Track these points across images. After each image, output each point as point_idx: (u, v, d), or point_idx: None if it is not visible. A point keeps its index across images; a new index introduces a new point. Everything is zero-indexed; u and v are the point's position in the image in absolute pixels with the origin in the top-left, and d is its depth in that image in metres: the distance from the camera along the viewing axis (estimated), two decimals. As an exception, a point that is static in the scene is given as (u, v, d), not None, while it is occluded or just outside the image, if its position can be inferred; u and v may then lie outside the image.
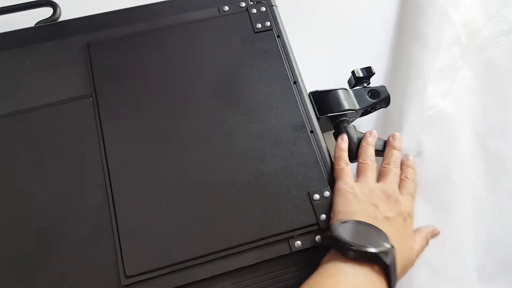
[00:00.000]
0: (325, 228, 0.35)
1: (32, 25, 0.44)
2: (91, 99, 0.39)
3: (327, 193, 0.36)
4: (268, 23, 0.42)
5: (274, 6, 0.43)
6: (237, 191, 0.35)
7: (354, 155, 0.40)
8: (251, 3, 0.43)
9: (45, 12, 0.46)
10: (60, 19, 0.45)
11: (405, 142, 0.43)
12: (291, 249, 0.34)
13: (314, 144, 0.38)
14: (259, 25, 0.42)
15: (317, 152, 0.37)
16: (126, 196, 0.35)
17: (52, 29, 0.43)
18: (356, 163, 0.40)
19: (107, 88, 0.39)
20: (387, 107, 0.44)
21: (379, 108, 0.44)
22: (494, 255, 0.42)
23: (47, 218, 0.35)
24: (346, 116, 0.42)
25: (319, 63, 0.48)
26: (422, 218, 0.40)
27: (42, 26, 0.44)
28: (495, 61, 0.49)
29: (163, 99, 0.39)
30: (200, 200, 0.35)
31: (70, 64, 0.41)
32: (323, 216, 0.35)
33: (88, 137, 0.37)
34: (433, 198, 0.43)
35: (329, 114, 0.40)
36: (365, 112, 0.43)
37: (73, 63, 0.41)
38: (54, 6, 0.46)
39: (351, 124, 0.42)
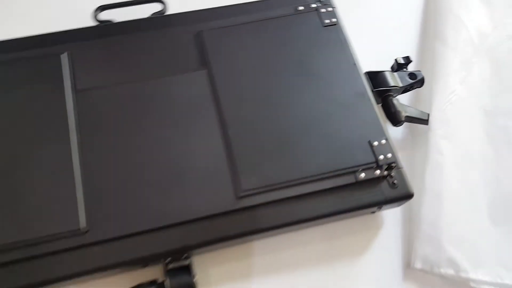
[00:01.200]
0: (382, 164, 0.46)
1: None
2: (205, 71, 0.50)
3: (383, 141, 0.47)
4: (335, 19, 0.54)
5: (335, 8, 0.56)
6: (318, 137, 0.47)
7: (397, 120, 0.52)
8: (319, 4, 0.55)
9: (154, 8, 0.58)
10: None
11: (432, 116, 0.55)
12: (356, 179, 0.46)
13: (371, 106, 0.50)
14: (327, 21, 0.54)
15: (374, 112, 0.49)
16: (240, 135, 0.47)
17: (162, 19, 0.55)
18: (399, 127, 0.52)
19: (218, 62, 0.51)
20: (421, 88, 0.56)
21: (415, 88, 0.56)
22: (503, 205, 0.53)
23: (178, 158, 0.46)
24: (391, 92, 0.54)
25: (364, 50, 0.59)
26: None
27: (155, 17, 0.56)
28: (501, 59, 0.61)
29: (260, 73, 0.51)
30: (296, 138, 0.47)
31: (181, 45, 0.52)
32: (381, 157, 0.46)
33: (204, 100, 0.49)
34: (454, 160, 0.55)
35: (380, 88, 0.53)
36: (405, 90, 0.55)
37: (183, 44, 0.52)
38: (163, 2, 0.58)
39: (395, 98, 0.54)
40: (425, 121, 0.54)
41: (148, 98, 0.48)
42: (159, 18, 0.55)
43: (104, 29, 0.53)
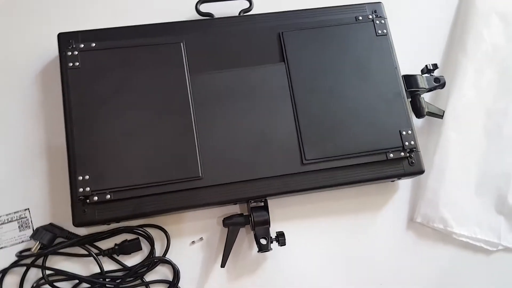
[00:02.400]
0: (407, 149, 0.63)
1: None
2: (284, 65, 0.65)
3: (409, 131, 0.63)
4: (385, 31, 0.67)
5: (386, 19, 0.68)
6: (364, 124, 0.63)
7: (421, 114, 0.67)
8: (375, 16, 0.68)
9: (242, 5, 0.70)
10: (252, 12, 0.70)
11: (446, 113, 0.70)
12: (387, 157, 0.62)
13: (404, 104, 0.65)
14: (379, 31, 0.67)
15: (406, 108, 0.65)
16: (306, 117, 0.62)
17: (251, 18, 0.68)
18: (421, 119, 0.68)
19: (294, 59, 0.65)
20: (442, 89, 0.70)
21: (437, 89, 0.70)
22: (487, 181, 0.70)
23: (263, 130, 0.62)
24: (419, 91, 0.68)
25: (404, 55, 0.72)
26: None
27: (244, 15, 0.68)
28: (508, 68, 0.75)
29: (326, 70, 0.65)
30: (348, 123, 0.63)
31: (264, 40, 0.66)
32: (406, 143, 0.63)
33: (282, 87, 0.64)
34: (458, 147, 0.71)
35: (411, 89, 0.67)
36: (429, 90, 0.70)
37: (266, 40, 0.66)
38: (250, 1, 0.70)
39: (421, 96, 0.69)
40: (440, 116, 0.70)
41: (242, 83, 0.63)
42: (248, 17, 0.68)
43: (208, 22, 0.67)
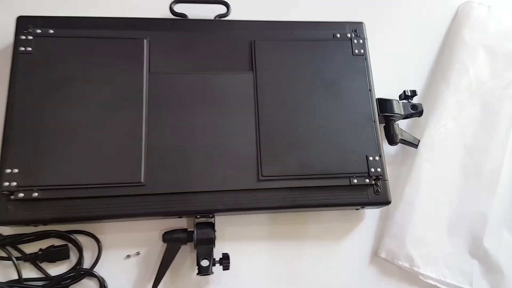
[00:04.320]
0: (372, 175, 0.55)
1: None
2: (252, 74, 0.58)
3: (377, 158, 0.56)
4: (362, 51, 0.61)
5: (366, 39, 0.62)
6: (328, 145, 0.56)
7: (394, 141, 0.60)
8: (353, 35, 0.62)
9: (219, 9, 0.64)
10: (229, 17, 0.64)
11: (422, 142, 0.63)
12: (350, 182, 0.55)
13: (375, 128, 0.58)
14: (356, 51, 0.61)
15: (376, 133, 0.57)
16: (267, 132, 0.55)
17: (225, 23, 0.62)
18: (394, 147, 0.61)
19: (264, 69, 0.58)
20: (419, 117, 0.64)
21: (414, 117, 0.64)
22: (459, 221, 0.62)
23: (220, 140, 0.54)
24: (394, 117, 0.61)
25: (380, 79, 0.66)
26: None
27: (219, 20, 0.63)
28: (490, 105, 0.68)
29: (295, 85, 0.58)
30: (312, 142, 0.56)
31: (235, 47, 0.60)
32: (372, 169, 0.55)
33: (247, 97, 0.57)
34: (431, 180, 0.63)
35: (385, 114, 0.60)
36: (406, 117, 0.63)
37: (238, 48, 0.60)
38: (227, 6, 0.64)
39: (395, 122, 0.62)
40: (415, 145, 0.63)
41: (205, 88, 0.57)
42: (223, 22, 0.62)
43: (179, 23, 0.61)
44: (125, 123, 0.53)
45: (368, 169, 0.55)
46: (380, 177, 0.56)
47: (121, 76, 0.55)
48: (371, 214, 0.61)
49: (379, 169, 0.56)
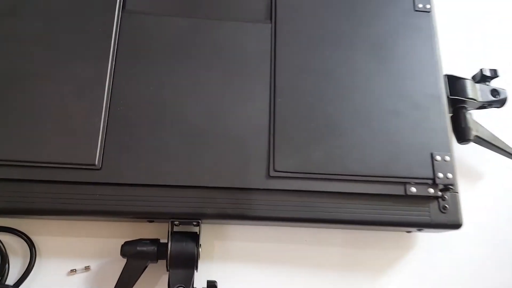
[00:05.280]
0: (439, 184, 0.36)
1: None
2: (270, 25, 0.40)
3: (447, 158, 0.37)
4: (429, 6, 0.43)
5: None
6: (375, 134, 0.37)
7: (465, 138, 0.41)
8: (416, -17, 0.44)
9: None
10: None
11: None
12: (405, 192, 0.36)
13: (444, 114, 0.39)
14: (420, 5, 0.43)
15: (445, 122, 0.39)
16: (286, 108, 0.37)
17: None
18: (463, 146, 0.42)
19: (286, 20, 0.41)
20: (499, 108, 0.44)
21: (493, 107, 0.44)
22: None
23: (217, 114, 0.37)
24: (466, 104, 0.43)
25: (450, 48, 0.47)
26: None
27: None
28: None
29: (329, 44, 0.40)
30: (349, 129, 0.37)
31: None
32: (440, 175, 0.37)
33: (261, 58, 0.39)
34: None
35: (454, 97, 0.42)
36: (481, 106, 0.44)
37: None
38: None
39: (468, 111, 0.43)
40: (496, 148, 0.43)
41: (200, 39, 0.39)
42: None
43: None
44: (81, 77, 0.36)
45: (434, 174, 0.37)
46: (450, 187, 0.37)
47: (83, 12, 0.38)
48: (427, 240, 0.42)
49: (449, 175, 0.37)
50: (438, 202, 0.37)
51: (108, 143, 0.35)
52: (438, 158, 0.37)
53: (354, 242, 0.40)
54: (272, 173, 0.35)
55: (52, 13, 0.38)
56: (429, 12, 0.42)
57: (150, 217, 0.36)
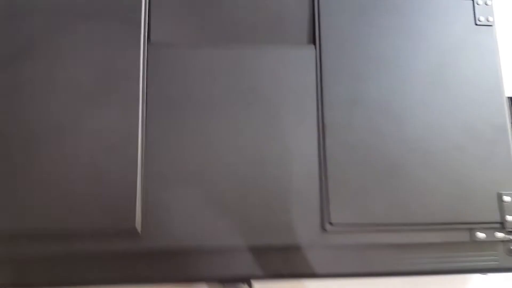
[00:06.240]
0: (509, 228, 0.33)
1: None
2: (313, 46, 0.35)
3: (516, 198, 0.34)
4: (491, 18, 0.37)
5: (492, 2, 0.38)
6: (438, 176, 0.33)
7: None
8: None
9: None
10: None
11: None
12: (471, 238, 0.33)
13: (510, 148, 0.35)
14: (481, 18, 0.37)
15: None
16: (338, 150, 0.33)
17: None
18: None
19: (331, 42, 0.35)
20: None
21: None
22: None
23: (261, 161, 0.33)
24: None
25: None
26: None
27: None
28: None
29: (381, 68, 0.35)
30: (410, 171, 0.33)
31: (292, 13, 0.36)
32: (509, 218, 0.33)
33: (305, 87, 0.34)
34: None
35: (521, 123, 0.37)
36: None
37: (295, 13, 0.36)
38: None
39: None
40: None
41: (235, 71, 0.34)
42: None
43: None
44: (111, 129, 0.32)
45: (502, 217, 0.33)
46: (520, 231, 0.34)
47: (105, 49, 0.33)
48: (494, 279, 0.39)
49: (520, 218, 0.33)
50: (506, 245, 0.34)
51: (146, 204, 0.31)
52: (507, 198, 0.33)
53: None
54: (327, 227, 0.32)
55: (67, 51, 0.33)
56: (491, 26, 0.37)
57: (198, 280, 0.32)
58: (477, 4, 0.37)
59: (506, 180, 0.34)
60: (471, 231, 0.33)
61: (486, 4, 0.37)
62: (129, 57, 0.33)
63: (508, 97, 0.37)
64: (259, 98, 0.34)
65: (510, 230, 0.33)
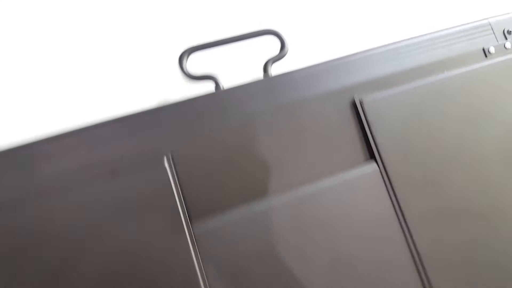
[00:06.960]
0: None
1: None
2: (374, 164, 0.30)
3: None
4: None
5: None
6: None
7: None
8: (516, 44, 0.34)
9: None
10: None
11: None
12: None
13: None
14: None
15: None
16: (442, 273, 0.28)
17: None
18: None
19: (391, 152, 0.30)
20: None
21: None
22: None
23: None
24: None
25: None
26: None
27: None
28: None
29: (453, 163, 0.30)
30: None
31: (327, 119, 0.31)
32: None
33: (381, 208, 0.29)
34: None
35: None
36: None
37: (331, 119, 0.31)
38: (281, 40, 0.35)
39: None
40: None
41: (292, 220, 0.28)
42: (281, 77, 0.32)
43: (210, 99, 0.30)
44: None
45: None
46: None
47: (148, 239, 0.26)
48: None
49: None
50: None
51: None
52: None
53: None
54: None
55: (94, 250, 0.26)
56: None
57: None
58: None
59: None
60: None
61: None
62: (178, 245, 0.26)
63: None
64: (330, 233, 0.28)
65: None
